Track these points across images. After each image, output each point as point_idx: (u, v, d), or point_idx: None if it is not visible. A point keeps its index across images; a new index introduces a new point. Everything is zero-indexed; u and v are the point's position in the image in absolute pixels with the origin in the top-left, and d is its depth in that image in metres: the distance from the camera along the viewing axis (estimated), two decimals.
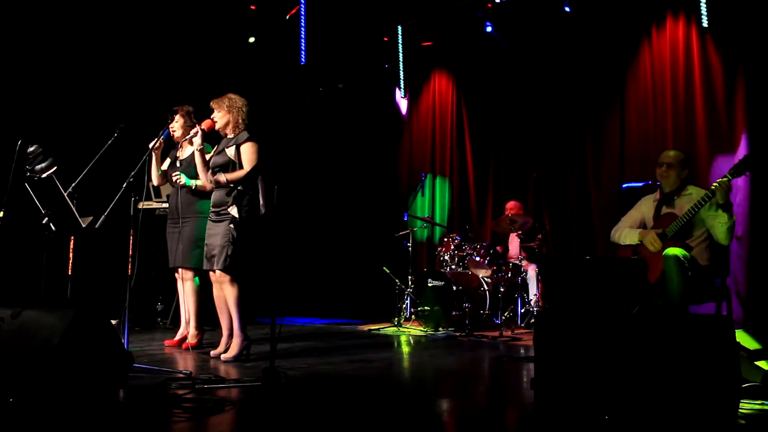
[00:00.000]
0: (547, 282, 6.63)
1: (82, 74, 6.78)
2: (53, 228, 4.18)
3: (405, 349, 5.46)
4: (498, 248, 7.54)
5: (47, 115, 6.36)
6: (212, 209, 4.59)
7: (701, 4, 6.49)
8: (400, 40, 8.92)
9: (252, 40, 8.16)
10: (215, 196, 4.58)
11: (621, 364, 2.72)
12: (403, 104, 9.21)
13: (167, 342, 5.18)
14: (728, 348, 2.66)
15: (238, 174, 4.45)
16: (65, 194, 4.04)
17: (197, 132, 4.65)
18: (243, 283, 4.52)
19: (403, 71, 9.03)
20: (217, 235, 4.48)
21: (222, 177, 4.48)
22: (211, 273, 4.57)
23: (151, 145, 4.75)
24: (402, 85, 9.08)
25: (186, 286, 5.05)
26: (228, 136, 4.65)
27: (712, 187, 4.08)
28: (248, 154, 4.49)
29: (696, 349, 2.69)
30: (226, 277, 4.46)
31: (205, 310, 5.11)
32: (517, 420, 3.08)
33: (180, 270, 5.06)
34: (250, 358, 4.46)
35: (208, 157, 4.73)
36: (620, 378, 2.69)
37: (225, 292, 4.51)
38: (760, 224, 6.02)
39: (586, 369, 2.78)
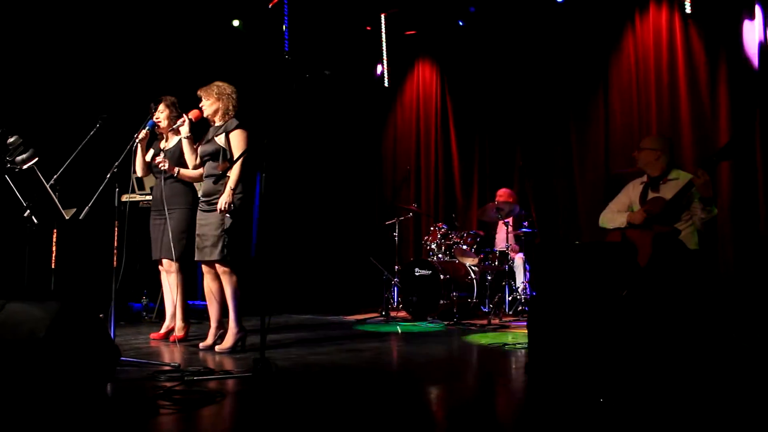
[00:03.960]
0: (536, 268, 6.65)
1: (63, 63, 6.67)
2: (35, 221, 4.09)
3: (393, 338, 5.45)
4: (480, 232, 7.55)
5: (27, 105, 6.24)
6: (203, 199, 4.53)
7: None
8: (383, 29, 8.86)
9: (236, 23, 8.05)
10: (206, 185, 4.52)
11: (614, 347, 2.73)
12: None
13: (153, 335, 5.12)
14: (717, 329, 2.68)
15: (237, 171, 4.36)
16: (47, 186, 3.96)
17: (184, 121, 4.60)
18: (240, 273, 4.46)
19: (386, 60, 8.98)
20: (209, 224, 4.42)
21: (230, 182, 4.37)
22: (204, 264, 4.51)
23: (137, 136, 4.67)
24: (385, 74, 9.03)
25: (171, 279, 4.99)
26: (216, 124, 4.58)
27: (694, 177, 4.09)
28: (239, 142, 4.42)
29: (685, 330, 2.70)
30: (224, 268, 4.40)
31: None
32: (510, 405, 3.07)
33: (164, 262, 5.00)
34: (244, 350, 4.42)
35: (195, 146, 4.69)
36: (614, 360, 2.69)
37: (223, 283, 4.45)
38: (741, 206, 6.09)
39: (580, 353, 2.78)
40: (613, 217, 4.52)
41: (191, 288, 4.84)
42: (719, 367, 2.63)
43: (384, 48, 8.92)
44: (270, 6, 8.14)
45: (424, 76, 8.93)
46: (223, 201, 4.33)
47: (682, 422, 2.57)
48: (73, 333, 2.77)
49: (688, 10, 6.52)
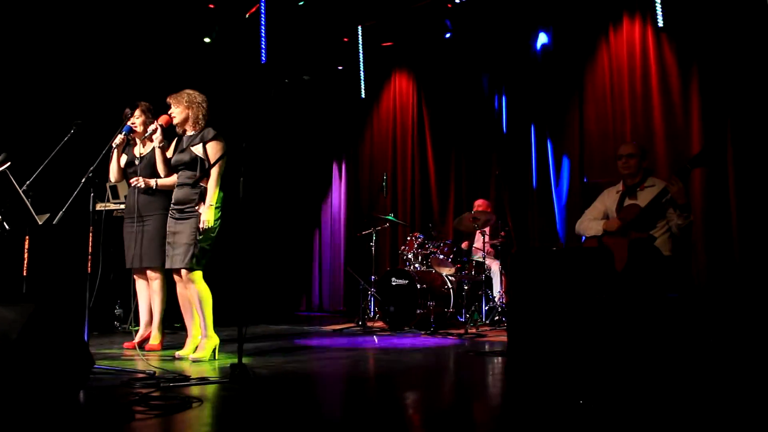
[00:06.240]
0: (514, 274, 6.68)
1: (36, 68, 6.60)
2: (7, 227, 4.02)
3: (370, 347, 5.42)
4: (464, 244, 7.58)
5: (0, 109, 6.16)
6: (175, 206, 4.45)
7: (656, 4, 6.65)
8: (360, 41, 8.90)
9: (207, 40, 8.02)
10: (179, 193, 4.44)
11: (591, 350, 2.74)
12: None
13: (126, 344, 5.02)
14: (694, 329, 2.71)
15: (214, 183, 4.34)
16: (20, 191, 3.90)
17: (156, 129, 4.55)
18: (210, 282, 4.41)
19: (363, 72, 9.02)
20: (181, 233, 4.35)
21: (209, 197, 4.33)
22: (175, 272, 4.45)
23: (113, 142, 4.62)
24: (363, 86, 9.06)
25: (153, 286, 4.89)
26: (188, 133, 4.54)
27: (670, 182, 4.15)
28: (216, 152, 4.36)
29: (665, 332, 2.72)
30: (192, 276, 4.34)
31: (167, 311, 4.98)
32: (489, 408, 3.07)
33: (147, 271, 4.90)
34: (217, 358, 4.37)
35: (168, 155, 4.66)
36: (592, 363, 2.70)
37: (192, 291, 4.39)
38: (713, 214, 6.20)
39: (558, 356, 2.79)
40: (590, 225, 4.56)
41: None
42: (695, 369, 2.66)
43: (361, 59, 8.96)
44: (247, 15, 8.14)
45: (401, 87, 8.99)
46: (205, 219, 4.30)
47: (659, 422, 2.59)
48: (46, 337, 2.72)
49: (660, 23, 6.65)
